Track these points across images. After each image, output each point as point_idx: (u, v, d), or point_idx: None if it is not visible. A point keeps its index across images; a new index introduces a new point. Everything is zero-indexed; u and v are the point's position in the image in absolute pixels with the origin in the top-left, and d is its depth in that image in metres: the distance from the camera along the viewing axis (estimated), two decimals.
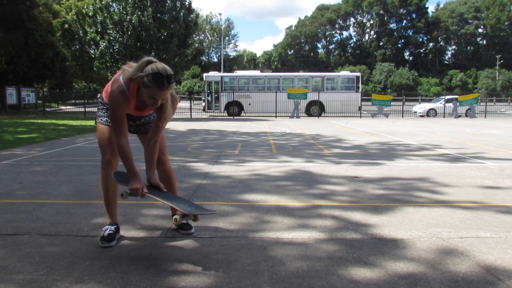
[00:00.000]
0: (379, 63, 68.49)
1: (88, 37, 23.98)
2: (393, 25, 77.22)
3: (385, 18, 76.28)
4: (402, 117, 23.78)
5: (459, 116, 23.47)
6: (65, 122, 16.91)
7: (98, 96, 2.88)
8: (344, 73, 27.57)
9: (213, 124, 16.22)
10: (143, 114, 2.79)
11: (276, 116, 22.86)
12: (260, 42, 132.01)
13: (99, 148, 2.77)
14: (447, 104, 24.06)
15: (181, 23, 24.32)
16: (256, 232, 2.91)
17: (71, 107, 32.35)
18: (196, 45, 44.69)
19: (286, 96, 22.74)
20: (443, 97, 25.56)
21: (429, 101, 31.26)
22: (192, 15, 26.32)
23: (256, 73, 27.45)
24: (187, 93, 51.32)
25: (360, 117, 23.12)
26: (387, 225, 3.08)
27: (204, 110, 24.70)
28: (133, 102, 2.56)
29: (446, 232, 2.91)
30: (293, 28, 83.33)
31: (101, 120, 2.75)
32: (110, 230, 2.67)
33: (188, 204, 2.66)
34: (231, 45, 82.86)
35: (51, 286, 2.07)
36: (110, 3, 23.37)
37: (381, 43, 77.11)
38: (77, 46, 35.72)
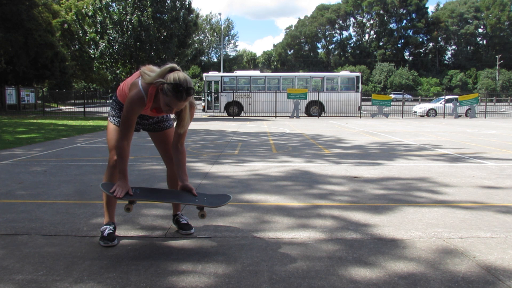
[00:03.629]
0: (379, 63, 68.52)
1: (87, 37, 23.99)
2: (393, 25, 77.27)
3: (385, 18, 76.30)
4: (402, 117, 23.78)
5: (459, 116, 23.47)
6: (65, 122, 16.91)
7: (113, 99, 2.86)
8: (344, 73, 27.58)
9: (212, 124, 16.21)
10: (159, 115, 2.81)
11: (276, 116, 22.86)
12: (260, 42, 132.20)
13: (107, 146, 2.77)
14: (447, 104, 24.07)
15: (181, 23, 24.33)
16: (256, 232, 2.91)
17: (71, 107, 32.35)
18: (196, 45, 44.71)
19: (286, 96, 22.74)
20: (443, 97, 25.57)
21: (429, 101, 31.26)
22: (192, 15, 26.34)
23: (256, 73, 27.45)
24: None
25: (360, 117, 23.12)
26: (387, 225, 3.08)
27: (203, 110, 24.70)
28: (150, 105, 2.57)
29: (446, 232, 2.91)
30: (293, 28, 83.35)
31: (114, 120, 2.74)
32: (109, 230, 2.67)
33: (198, 198, 2.69)
34: (231, 45, 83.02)
35: (50, 286, 2.06)
36: (110, 3, 23.38)
37: (381, 43, 77.14)
38: (77, 46, 35.76)
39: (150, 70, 2.52)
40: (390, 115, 24.19)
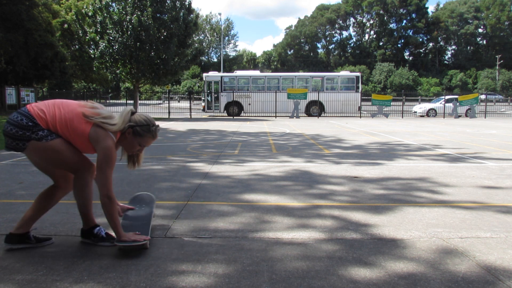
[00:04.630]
0: (379, 63, 68.50)
1: (87, 37, 23.95)
2: (393, 25, 77.25)
3: (385, 18, 76.28)
4: (402, 117, 23.78)
5: (459, 116, 23.47)
6: None
7: (24, 122, 2.40)
8: (344, 73, 27.60)
9: (212, 124, 16.21)
10: None
11: (275, 116, 22.85)
12: (260, 42, 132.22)
13: (65, 169, 2.66)
14: (447, 104, 24.06)
15: (181, 23, 24.29)
16: (256, 232, 2.91)
17: None
18: (196, 45, 44.70)
19: (286, 96, 22.74)
20: (443, 97, 25.56)
21: (429, 101, 31.27)
22: (192, 15, 26.29)
23: (256, 73, 27.45)
24: (186, 93, 51.36)
25: (360, 117, 23.12)
26: (387, 225, 3.08)
27: (203, 110, 24.70)
28: None
29: (446, 232, 2.91)
30: (293, 28, 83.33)
31: (50, 137, 2.43)
32: (104, 229, 2.70)
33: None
34: (231, 45, 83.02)
35: (50, 286, 2.06)
36: (110, 3, 23.34)
37: (381, 43, 77.13)
38: (77, 46, 35.70)
39: (102, 116, 2.47)
40: (390, 115, 24.20)
